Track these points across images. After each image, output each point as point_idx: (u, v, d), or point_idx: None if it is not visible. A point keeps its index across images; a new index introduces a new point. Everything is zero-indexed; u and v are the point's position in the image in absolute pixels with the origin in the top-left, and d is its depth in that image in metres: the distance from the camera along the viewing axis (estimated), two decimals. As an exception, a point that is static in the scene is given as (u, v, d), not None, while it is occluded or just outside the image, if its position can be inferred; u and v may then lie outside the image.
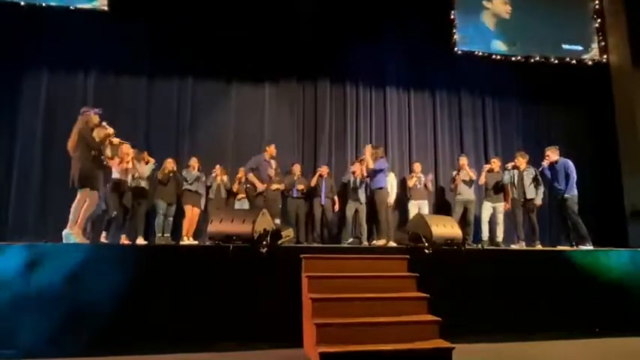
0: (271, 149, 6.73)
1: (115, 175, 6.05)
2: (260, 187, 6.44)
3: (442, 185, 8.47)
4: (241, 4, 7.76)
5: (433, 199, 8.15)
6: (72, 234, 4.53)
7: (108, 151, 5.53)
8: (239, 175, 7.29)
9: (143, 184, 6.50)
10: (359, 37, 8.02)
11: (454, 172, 7.38)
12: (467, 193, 7.12)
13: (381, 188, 6.42)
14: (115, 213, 6.12)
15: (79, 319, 3.76)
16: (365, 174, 6.73)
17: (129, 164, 6.11)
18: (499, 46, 8.63)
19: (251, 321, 3.95)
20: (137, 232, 6.40)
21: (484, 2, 8.71)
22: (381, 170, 6.43)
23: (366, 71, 8.50)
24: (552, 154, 6.35)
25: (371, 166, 6.39)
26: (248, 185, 6.89)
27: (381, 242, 6.23)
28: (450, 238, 4.78)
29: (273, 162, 6.74)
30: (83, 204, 4.66)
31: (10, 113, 7.24)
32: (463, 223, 6.81)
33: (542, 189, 6.59)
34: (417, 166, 7.50)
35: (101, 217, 6.27)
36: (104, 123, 5.00)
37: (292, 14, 7.83)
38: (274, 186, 6.93)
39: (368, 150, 6.56)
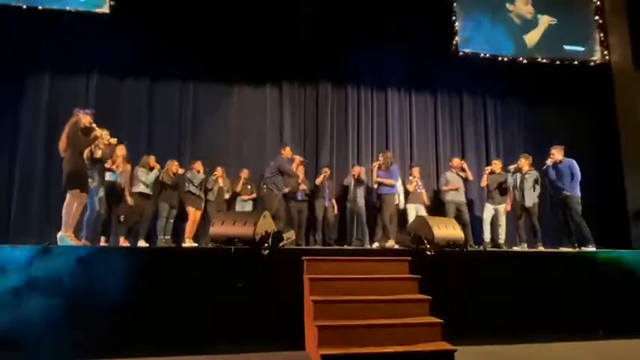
0: (287, 151, 6.71)
1: (109, 177, 5.95)
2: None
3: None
4: (243, 7, 7.77)
5: (431, 201, 8.11)
6: (66, 236, 4.53)
7: (99, 152, 5.43)
8: (243, 175, 7.27)
9: (143, 189, 6.37)
10: (360, 38, 8.02)
11: (446, 173, 7.30)
12: (456, 195, 7.01)
13: (391, 193, 6.48)
14: (122, 216, 6.11)
15: (79, 321, 3.76)
16: (375, 178, 6.69)
17: (119, 167, 6.02)
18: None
19: (253, 323, 3.95)
20: (140, 235, 6.39)
21: (507, 4, 8.67)
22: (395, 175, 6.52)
23: (367, 72, 8.51)
24: (557, 154, 6.30)
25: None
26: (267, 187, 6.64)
27: (382, 244, 6.22)
28: (452, 239, 4.78)
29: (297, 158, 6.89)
30: (73, 205, 4.62)
31: (12, 116, 7.27)
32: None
33: (538, 192, 6.54)
34: (416, 171, 7.43)
35: (96, 220, 5.91)
36: (94, 124, 4.96)
37: (293, 16, 7.83)
38: (302, 186, 7.25)
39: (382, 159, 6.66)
